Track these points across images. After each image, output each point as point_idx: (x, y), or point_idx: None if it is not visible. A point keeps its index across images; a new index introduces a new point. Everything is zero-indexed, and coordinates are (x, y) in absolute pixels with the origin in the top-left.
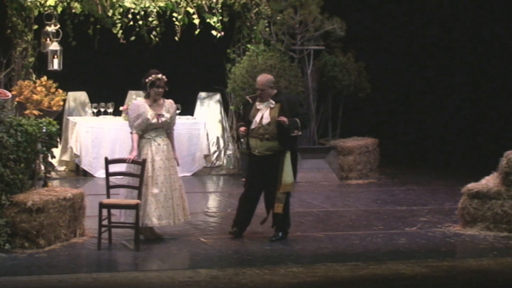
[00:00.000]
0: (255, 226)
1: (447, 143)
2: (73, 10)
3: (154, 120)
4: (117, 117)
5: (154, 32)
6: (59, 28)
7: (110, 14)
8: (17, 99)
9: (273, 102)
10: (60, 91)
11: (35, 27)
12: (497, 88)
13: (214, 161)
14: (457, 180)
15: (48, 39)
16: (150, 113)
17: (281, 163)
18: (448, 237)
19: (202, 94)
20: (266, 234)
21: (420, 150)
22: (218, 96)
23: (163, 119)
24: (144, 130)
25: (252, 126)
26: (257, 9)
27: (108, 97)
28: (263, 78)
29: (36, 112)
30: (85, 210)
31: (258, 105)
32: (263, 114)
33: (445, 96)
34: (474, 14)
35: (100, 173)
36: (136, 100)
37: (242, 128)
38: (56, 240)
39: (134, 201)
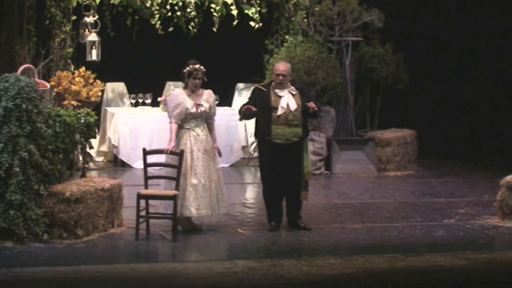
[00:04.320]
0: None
1: (486, 135)
2: (112, 1)
3: (193, 110)
4: (155, 108)
5: (192, 23)
6: (98, 19)
7: (148, 5)
8: (55, 89)
9: (294, 89)
10: (98, 81)
11: (74, 17)
12: None
13: (252, 152)
14: (495, 172)
15: (86, 30)
16: (189, 103)
17: (303, 150)
18: (487, 230)
19: (240, 85)
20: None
21: (459, 141)
22: None
23: (202, 109)
24: (183, 120)
25: (279, 113)
26: (295, 0)
27: (146, 88)
28: (286, 64)
29: (74, 103)
30: (123, 200)
31: (279, 92)
32: (288, 100)
33: (484, 88)
34: None
35: (138, 164)
36: (175, 91)
37: (250, 107)
38: (94, 231)
39: (172, 192)
